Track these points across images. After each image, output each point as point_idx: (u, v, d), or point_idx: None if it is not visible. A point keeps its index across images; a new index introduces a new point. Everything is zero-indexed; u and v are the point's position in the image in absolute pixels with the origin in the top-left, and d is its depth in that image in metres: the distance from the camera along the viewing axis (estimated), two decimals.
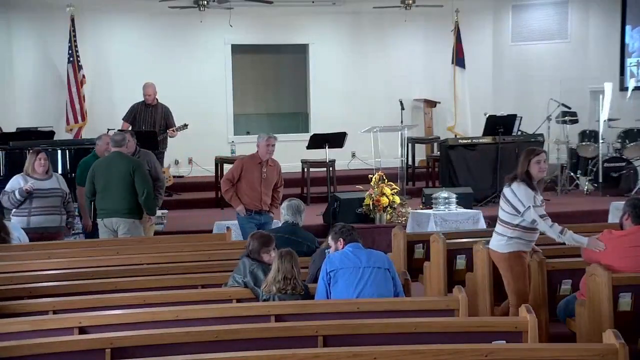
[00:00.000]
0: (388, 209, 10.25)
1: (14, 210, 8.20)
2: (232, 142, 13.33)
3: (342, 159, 13.47)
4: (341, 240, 5.76)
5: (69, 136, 12.90)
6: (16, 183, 8.16)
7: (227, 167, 12.39)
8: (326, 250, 6.06)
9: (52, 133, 11.64)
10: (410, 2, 13.79)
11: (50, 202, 8.17)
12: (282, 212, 7.07)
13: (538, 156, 6.20)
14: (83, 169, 8.66)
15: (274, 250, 5.78)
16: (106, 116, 13.05)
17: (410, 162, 13.50)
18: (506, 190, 6.23)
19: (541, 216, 6.08)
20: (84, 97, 13.26)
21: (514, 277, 6.17)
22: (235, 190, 8.42)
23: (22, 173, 8.27)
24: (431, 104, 15.05)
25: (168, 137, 11.67)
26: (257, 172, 8.43)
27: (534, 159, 6.18)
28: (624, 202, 6.17)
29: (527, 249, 6.26)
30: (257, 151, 8.54)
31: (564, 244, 6.87)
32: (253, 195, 8.39)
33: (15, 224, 7.95)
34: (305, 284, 5.58)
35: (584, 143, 13.05)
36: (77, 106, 13.14)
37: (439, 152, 13.01)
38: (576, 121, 13.30)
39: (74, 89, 13.13)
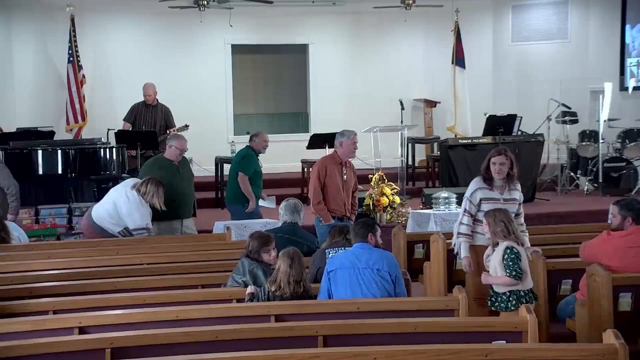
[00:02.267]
0: (388, 209, 10.24)
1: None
2: (232, 142, 13.33)
3: None
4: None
5: (69, 136, 12.89)
6: (145, 214, 7.87)
7: (227, 167, 12.40)
8: (326, 251, 6.06)
9: (52, 133, 11.63)
10: (410, 2, 13.78)
11: None
12: (281, 212, 7.06)
13: (494, 158, 6.35)
14: (246, 158, 9.29)
15: (273, 249, 5.77)
16: (106, 116, 13.06)
17: (410, 162, 13.50)
18: None
19: (465, 211, 6.28)
20: (84, 97, 13.25)
21: (472, 271, 6.27)
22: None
23: (137, 198, 7.86)
24: (431, 104, 15.04)
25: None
26: (339, 174, 7.99)
27: (492, 159, 6.35)
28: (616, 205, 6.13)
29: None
30: (336, 151, 8.10)
31: (564, 243, 6.95)
32: (338, 201, 7.83)
33: (17, 227, 7.94)
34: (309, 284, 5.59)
35: (584, 143, 13.05)
36: (77, 106, 13.13)
37: (439, 152, 13.00)
38: (576, 121, 13.30)
39: (74, 89, 13.13)
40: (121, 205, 7.91)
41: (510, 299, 5.58)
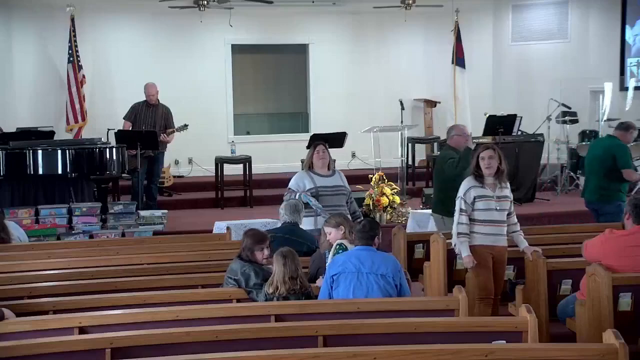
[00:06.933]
0: (388, 209, 10.26)
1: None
2: (232, 142, 13.36)
3: (342, 159, 13.46)
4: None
5: (69, 136, 12.90)
6: (300, 181, 7.48)
7: (227, 167, 12.44)
8: (326, 251, 6.05)
9: (52, 133, 11.62)
10: (410, 2, 13.79)
11: (336, 201, 7.45)
12: (281, 212, 7.05)
13: (483, 152, 6.39)
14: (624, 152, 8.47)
15: (267, 248, 5.75)
16: (106, 116, 13.06)
17: (410, 162, 13.51)
18: None
19: (461, 210, 6.33)
20: (84, 97, 13.26)
21: (474, 270, 6.38)
22: None
23: (305, 169, 7.65)
24: (431, 104, 15.04)
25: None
26: None
27: (480, 155, 6.39)
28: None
29: (490, 243, 6.38)
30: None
31: (564, 243, 6.95)
32: None
33: (17, 227, 7.95)
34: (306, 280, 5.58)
35: (584, 143, 13.04)
36: (77, 106, 13.14)
37: (439, 152, 12.99)
38: (576, 121, 13.31)
39: (74, 89, 13.13)
40: None
41: None
